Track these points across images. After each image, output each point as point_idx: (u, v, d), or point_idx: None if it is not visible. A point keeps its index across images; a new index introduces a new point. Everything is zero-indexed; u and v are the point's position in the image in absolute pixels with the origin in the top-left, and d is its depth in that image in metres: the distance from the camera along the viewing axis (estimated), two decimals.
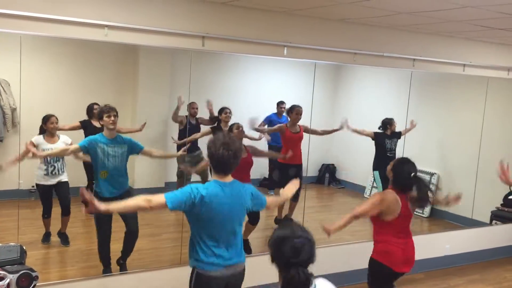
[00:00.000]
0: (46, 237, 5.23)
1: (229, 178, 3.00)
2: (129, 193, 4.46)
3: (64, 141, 5.03)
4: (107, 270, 4.53)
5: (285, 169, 6.06)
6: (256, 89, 7.43)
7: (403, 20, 4.82)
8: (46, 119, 4.97)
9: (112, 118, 4.31)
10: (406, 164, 3.71)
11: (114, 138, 4.39)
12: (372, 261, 3.75)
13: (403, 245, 3.71)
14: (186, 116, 6.11)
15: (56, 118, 5.01)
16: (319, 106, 6.50)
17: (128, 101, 6.30)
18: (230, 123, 5.58)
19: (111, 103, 5.64)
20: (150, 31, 4.11)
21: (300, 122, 5.98)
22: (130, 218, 4.55)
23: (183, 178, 6.08)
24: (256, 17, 4.61)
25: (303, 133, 5.96)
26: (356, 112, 8.17)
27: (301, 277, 2.04)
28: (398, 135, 6.56)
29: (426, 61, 5.64)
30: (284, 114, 6.42)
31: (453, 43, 5.83)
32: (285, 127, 6.05)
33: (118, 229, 4.63)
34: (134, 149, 4.50)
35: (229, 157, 2.89)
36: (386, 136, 6.55)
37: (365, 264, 3.84)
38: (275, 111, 7.00)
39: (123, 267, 4.63)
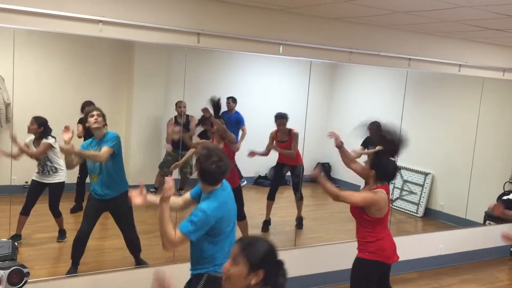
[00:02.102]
0: (13, 239, 4.93)
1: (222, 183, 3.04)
2: (125, 195, 4.34)
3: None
4: (72, 269, 4.38)
5: (279, 168, 6.28)
6: (251, 87, 7.41)
7: (399, 20, 4.82)
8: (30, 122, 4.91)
9: (94, 117, 4.21)
10: (382, 156, 3.74)
11: (101, 138, 4.29)
12: (364, 261, 3.70)
13: (389, 235, 3.78)
14: (175, 116, 6.10)
15: (40, 121, 4.89)
16: (315, 104, 6.50)
17: (123, 97, 6.27)
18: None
19: (106, 99, 5.66)
20: (145, 27, 4.09)
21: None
22: (124, 227, 4.54)
23: (164, 170, 6.12)
24: (252, 15, 4.59)
25: (292, 141, 6.02)
26: (351, 111, 8.18)
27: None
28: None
29: (422, 60, 5.64)
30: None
31: (449, 43, 5.83)
32: (274, 134, 6.12)
33: (113, 226, 4.62)
34: (117, 146, 4.32)
35: (220, 173, 2.93)
36: (370, 143, 6.52)
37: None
38: (270, 109, 6.99)
39: (139, 262, 4.61)
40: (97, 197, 4.41)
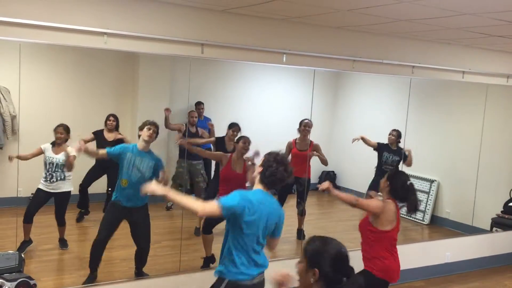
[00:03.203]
0: (22, 246, 4.89)
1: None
2: (146, 207, 4.55)
3: (68, 152, 4.98)
4: (92, 276, 4.45)
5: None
6: (255, 97, 7.43)
7: (402, 28, 4.83)
8: (54, 128, 4.97)
9: (151, 131, 4.43)
10: (402, 174, 3.85)
11: (146, 151, 4.47)
12: (369, 274, 3.69)
13: (396, 254, 3.78)
14: (185, 124, 6.12)
15: (64, 129, 4.98)
16: (319, 113, 6.51)
17: (128, 108, 6.30)
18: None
19: (110, 110, 5.68)
20: (149, 38, 4.12)
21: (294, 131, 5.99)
22: (141, 238, 4.57)
23: (176, 182, 6.13)
24: (255, 25, 4.62)
25: (312, 151, 5.99)
26: (355, 119, 8.18)
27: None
28: (399, 153, 6.44)
29: (425, 68, 5.65)
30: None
31: (452, 50, 5.84)
32: (293, 143, 6.07)
33: (120, 237, 4.63)
34: (156, 170, 4.48)
35: (283, 177, 3.05)
36: (386, 149, 6.53)
37: None
38: (274, 118, 7.01)
39: (140, 274, 4.63)
40: (122, 205, 4.44)
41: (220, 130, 6.67)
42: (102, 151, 4.44)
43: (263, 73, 7.10)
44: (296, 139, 6.09)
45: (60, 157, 4.96)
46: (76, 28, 3.82)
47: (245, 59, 4.66)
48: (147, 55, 4.80)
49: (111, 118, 5.58)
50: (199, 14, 4.34)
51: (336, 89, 8.21)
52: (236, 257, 2.99)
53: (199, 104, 6.62)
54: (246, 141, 4.98)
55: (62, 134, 4.97)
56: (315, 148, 5.98)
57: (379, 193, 4.16)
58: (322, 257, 2.00)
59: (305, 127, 5.99)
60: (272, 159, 3.05)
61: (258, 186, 3.09)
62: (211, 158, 5.70)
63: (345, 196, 3.69)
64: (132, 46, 4.12)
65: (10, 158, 4.74)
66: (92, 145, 5.13)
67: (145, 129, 4.46)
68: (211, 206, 2.88)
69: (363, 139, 6.51)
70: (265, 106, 7.41)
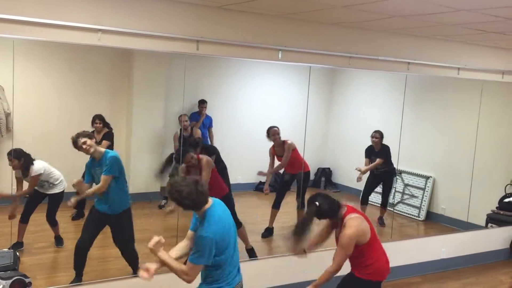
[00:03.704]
0: (14, 247, 4.70)
1: (210, 200, 2.97)
2: (126, 213, 4.45)
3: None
4: (76, 279, 4.37)
5: (284, 177, 6.26)
6: (250, 93, 7.42)
7: (397, 24, 4.83)
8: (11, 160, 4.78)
9: (85, 146, 4.19)
10: (319, 197, 3.63)
11: (99, 159, 4.30)
12: (360, 281, 3.64)
13: (383, 253, 3.73)
14: (180, 129, 6.11)
15: (18, 154, 4.77)
16: (315, 109, 6.51)
17: (123, 105, 6.28)
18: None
19: (105, 108, 5.65)
20: (143, 35, 4.10)
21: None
22: (120, 243, 4.51)
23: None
24: (251, 21, 4.61)
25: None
26: (351, 115, 8.19)
27: None
28: (384, 153, 6.48)
29: (420, 64, 5.65)
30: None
31: (447, 46, 5.84)
32: (272, 149, 6.10)
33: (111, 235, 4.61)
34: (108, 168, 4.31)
35: (197, 195, 2.86)
36: (373, 152, 6.57)
37: None
38: (270, 115, 7.00)
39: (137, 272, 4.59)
40: (99, 210, 4.41)
41: (216, 126, 6.68)
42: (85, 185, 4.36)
43: (259, 70, 7.09)
44: (273, 146, 6.09)
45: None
46: (70, 25, 3.79)
47: (241, 56, 4.64)
48: (142, 51, 4.78)
49: (97, 121, 5.49)
50: (195, 11, 4.32)
51: (332, 85, 8.21)
52: (219, 275, 2.97)
53: (202, 103, 6.64)
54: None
55: (20, 161, 4.79)
56: (286, 149, 5.95)
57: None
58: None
59: (273, 135, 5.98)
60: (177, 192, 2.86)
61: (198, 213, 2.97)
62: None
63: (324, 278, 3.53)
64: (127, 43, 4.09)
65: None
66: None
67: (80, 149, 4.23)
68: (195, 272, 2.89)
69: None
70: (261, 103, 7.40)
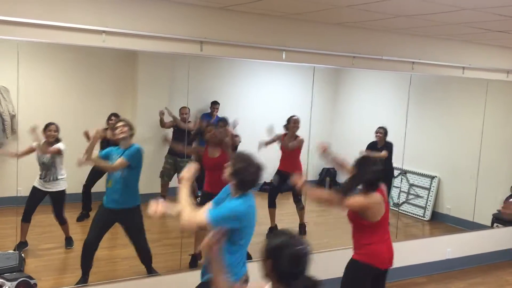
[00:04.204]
0: (18, 248, 4.72)
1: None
2: (135, 210, 4.43)
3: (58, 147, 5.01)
4: (82, 279, 4.37)
5: (282, 175, 6.19)
6: (254, 94, 7.42)
7: (401, 23, 4.82)
8: (45, 127, 4.96)
9: (120, 129, 4.32)
10: (368, 160, 3.70)
11: (125, 148, 4.35)
12: (356, 263, 3.64)
13: (387, 241, 3.70)
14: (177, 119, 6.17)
15: (56, 127, 4.99)
16: (319, 110, 6.49)
17: (128, 106, 6.30)
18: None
19: (110, 109, 5.67)
20: (147, 36, 4.10)
21: (301, 128, 5.96)
22: (134, 239, 4.53)
23: (164, 179, 6.23)
24: (254, 22, 4.60)
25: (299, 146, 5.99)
26: (355, 115, 8.17)
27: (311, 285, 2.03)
28: (387, 148, 6.45)
29: (425, 64, 5.63)
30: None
31: (452, 45, 5.82)
32: (282, 137, 6.06)
33: (121, 235, 4.62)
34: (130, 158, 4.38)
35: (256, 178, 3.01)
36: (374, 148, 6.55)
37: None
38: (273, 116, 6.98)
39: (150, 272, 4.61)
40: (107, 207, 4.40)
41: None
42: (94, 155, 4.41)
43: (263, 71, 7.09)
44: (285, 135, 6.08)
45: (48, 156, 4.97)
46: (74, 27, 3.80)
47: (244, 57, 4.64)
48: (146, 53, 4.79)
49: (112, 117, 5.55)
50: (198, 12, 4.33)
51: (336, 85, 8.20)
52: (228, 261, 2.94)
53: (215, 104, 6.68)
54: (224, 124, 5.14)
55: (55, 132, 4.97)
56: (300, 142, 5.97)
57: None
58: (275, 249, 2.06)
59: (294, 123, 5.97)
60: (242, 163, 2.97)
61: (236, 192, 3.01)
62: (192, 154, 5.69)
63: (319, 193, 3.46)
64: (131, 44, 4.10)
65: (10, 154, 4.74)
66: None
67: (115, 130, 4.38)
68: (199, 218, 2.84)
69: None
70: (265, 103, 7.40)
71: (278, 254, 2.04)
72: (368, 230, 3.60)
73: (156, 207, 2.82)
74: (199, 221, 2.84)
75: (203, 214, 2.86)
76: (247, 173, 2.96)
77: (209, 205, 3.13)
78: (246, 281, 3.12)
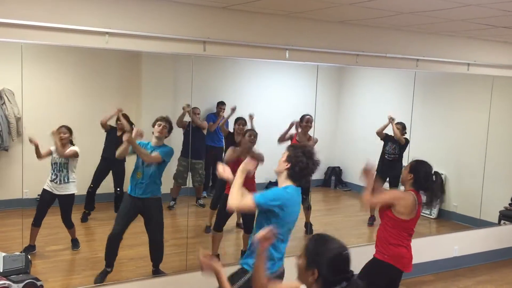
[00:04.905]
0: (26, 251, 4.62)
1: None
2: (157, 201, 4.67)
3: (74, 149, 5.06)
4: (105, 271, 4.53)
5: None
6: (258, 93, 7.40)
7: (405, 20, 4.79)
8: (57, 129, 5.00)
9: (161, 127, 4.63)
10: (425, 164, 3.74)
11: (157, 146, 4.66)
12: (382, 263, 3.68)
13: (409, 246, 3.76)
14: (189, 122, 6.12)
15: (67, 129, 5.04)
16: (323, 108, 6.47)
17: (132, 107, 6.29)
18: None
19: (114, 110, 5.70)
20: (150, 37, 4.11)
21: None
22: (154, 230, 4.66)
23: (178, 181, 6.25)
24: (257, 21, 4.60)
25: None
26: (360, 113, 8.14)
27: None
28: (403, 143, 6.47)
29: (429, 61, 5.61)
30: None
31: (456, 42, 5.79)
32: (294, 135, 6.04)
33: (128, 236, 4.64)
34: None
35: (312, 171, 3.05)
36: (391, 140, 6.52)
37: None
38: (278, 115, 6.97)
39: (157, 272, 4.70)
40: (134, 196, 4.58)
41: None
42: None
43: (266, 70, 7.07)
44: (297, 134, 6.06)
45: (63, 159, 4.99)
46: (77, 28, 3.81)
47: (248, 56, 4.64)
48: (150, 53, 4.79)
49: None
50: (201, 12, 4.33)
51: (340, 84, 8.17)
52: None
53: (221, 104, 6.68)
54: (251, 134, 5.07)
55: (65, 134, 5.01)
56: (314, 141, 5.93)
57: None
58: (321, 258, 1.98)
59: (307, 123, 5.95)
60: (301, 153, 3.01)
61: (287, 182, 3.05)
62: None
63: (382, 197, 3.71)
64: (134, 45, 4.11)
65: (31, 140, 4.81)
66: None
67: (156, 126, 4.66)
68: (247, 200, 2.98)
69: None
70: (268, 103, 7.38)
71: (325, 263, 1.98)
72: (396, 229, 3.63)
73: (223, 170, 3.10)
74: (246, 203, 2.98)
75: (250, 197, 2.99)
76: (304, 161, 2.99)
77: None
78: (281, 275, 3.15)
